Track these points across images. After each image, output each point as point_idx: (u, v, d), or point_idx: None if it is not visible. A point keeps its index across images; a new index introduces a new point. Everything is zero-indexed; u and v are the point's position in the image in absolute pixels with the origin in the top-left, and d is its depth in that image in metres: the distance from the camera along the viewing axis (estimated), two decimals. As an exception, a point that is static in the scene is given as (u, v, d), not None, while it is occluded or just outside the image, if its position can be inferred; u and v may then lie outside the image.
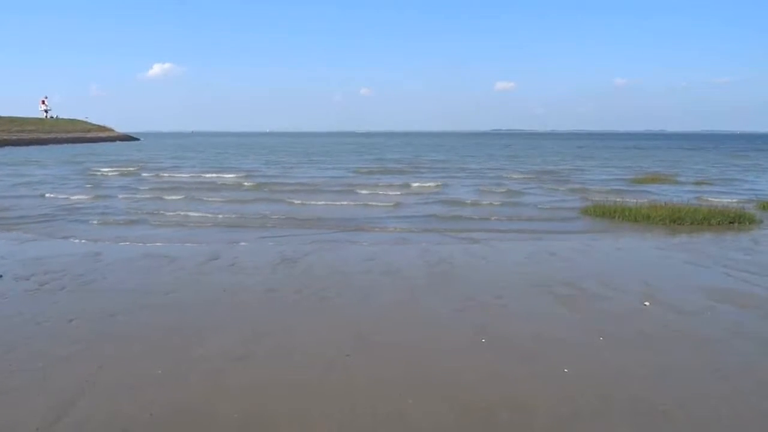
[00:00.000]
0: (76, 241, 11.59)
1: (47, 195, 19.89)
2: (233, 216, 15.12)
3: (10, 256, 10.14)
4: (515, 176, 27.34)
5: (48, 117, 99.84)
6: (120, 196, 19.57)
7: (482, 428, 4.39)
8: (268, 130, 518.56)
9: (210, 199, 18.88)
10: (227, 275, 8.80)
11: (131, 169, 32.26)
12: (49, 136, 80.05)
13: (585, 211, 15.26)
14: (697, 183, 24.46)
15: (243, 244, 11.27)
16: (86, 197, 19.33)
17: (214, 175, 28.51)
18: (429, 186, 22.92)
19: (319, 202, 17.90)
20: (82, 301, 7.47)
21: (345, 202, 17.92)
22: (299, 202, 18.06)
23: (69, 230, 12.90)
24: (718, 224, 13.19)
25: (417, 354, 5.76)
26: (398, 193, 20.71)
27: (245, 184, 23.94)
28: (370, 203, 17.85)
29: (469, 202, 18.26)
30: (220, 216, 15.11)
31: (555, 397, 4.83)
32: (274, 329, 6.45)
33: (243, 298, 7.62)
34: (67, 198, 19.11)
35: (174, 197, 19.19)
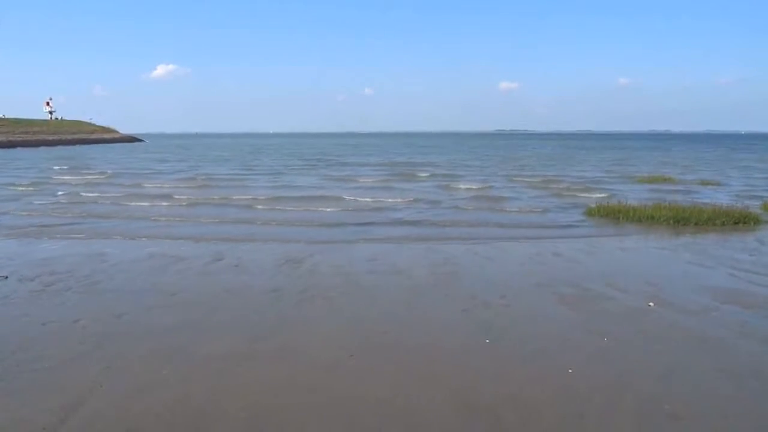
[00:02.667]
0: (81, 241, 11.64)
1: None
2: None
3: (16, 257, 10.20)
4: (524, 179, 27.20)
5: (53, 118, 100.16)
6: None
7: (487, 428, 4.39)
8: (272, 131, 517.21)
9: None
10: (232, 275, 8.83)
11: (90, 177, 28.02)
12: (54, 138, 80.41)
13: (589, 212, 15.22)
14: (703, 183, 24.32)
15: (246, 245, 11.30)
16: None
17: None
18: (426, 191, 22.02)
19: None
20: (87, 302, 7.51)
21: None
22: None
23: None
24: (723, 225, 13.15)
25: (421, 354, 5.77)
26: (395, 195, 20.71)
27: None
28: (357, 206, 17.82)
29: (476, 204, 18.26)
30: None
31: (560, 398, 4.83)
32: (278, 329, 6.47)
33: (248, 299, 7.65)
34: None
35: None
